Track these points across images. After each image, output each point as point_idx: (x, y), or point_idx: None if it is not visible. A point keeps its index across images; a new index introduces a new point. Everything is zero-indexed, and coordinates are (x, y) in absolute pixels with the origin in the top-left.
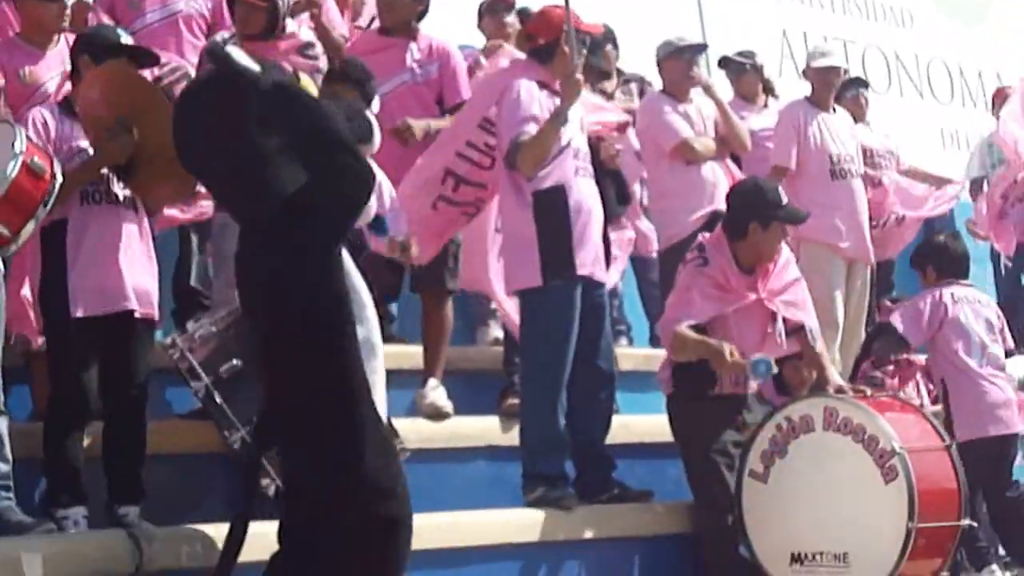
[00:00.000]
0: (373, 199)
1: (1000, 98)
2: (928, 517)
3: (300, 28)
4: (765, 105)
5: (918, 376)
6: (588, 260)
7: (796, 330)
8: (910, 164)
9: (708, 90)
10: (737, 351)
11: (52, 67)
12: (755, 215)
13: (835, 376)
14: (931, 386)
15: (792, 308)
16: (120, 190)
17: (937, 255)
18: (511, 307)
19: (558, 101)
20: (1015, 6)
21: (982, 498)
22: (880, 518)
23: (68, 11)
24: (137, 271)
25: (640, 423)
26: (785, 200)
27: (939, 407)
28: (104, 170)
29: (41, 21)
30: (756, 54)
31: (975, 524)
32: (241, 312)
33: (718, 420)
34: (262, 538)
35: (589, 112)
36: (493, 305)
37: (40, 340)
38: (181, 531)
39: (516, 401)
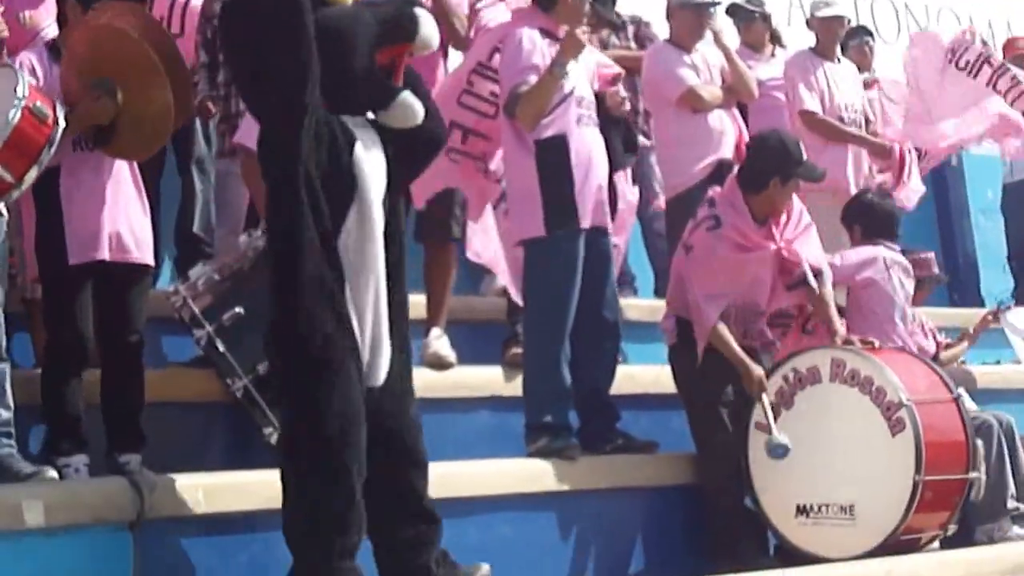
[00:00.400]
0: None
1: (1011, 48)
2: (935, 470)
3: None
4: (772, 55)
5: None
6: (592, 209)
7: (800, 281)
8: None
9: (716, 38)
10: (764, 380)
11: (52, 11)
12: (778, 170)
13: (842, 327)
14: (940, 338)
15: (811, 257)
16: None
17: (865, 214)
18: (509, 279)
19: (555, 47)
20: None
21: None
22: (887, 470)
23: None
24: (132, 217)
25: (645, 373)
26: (805, 156)
27: None
28: None
29: None
30: (765, 2)
31: (983, 477)
32: (243, 259)
33: (722, 371)
34: (269, 486)
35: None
36: None
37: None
38: (183, 479)
39: (520, 351)
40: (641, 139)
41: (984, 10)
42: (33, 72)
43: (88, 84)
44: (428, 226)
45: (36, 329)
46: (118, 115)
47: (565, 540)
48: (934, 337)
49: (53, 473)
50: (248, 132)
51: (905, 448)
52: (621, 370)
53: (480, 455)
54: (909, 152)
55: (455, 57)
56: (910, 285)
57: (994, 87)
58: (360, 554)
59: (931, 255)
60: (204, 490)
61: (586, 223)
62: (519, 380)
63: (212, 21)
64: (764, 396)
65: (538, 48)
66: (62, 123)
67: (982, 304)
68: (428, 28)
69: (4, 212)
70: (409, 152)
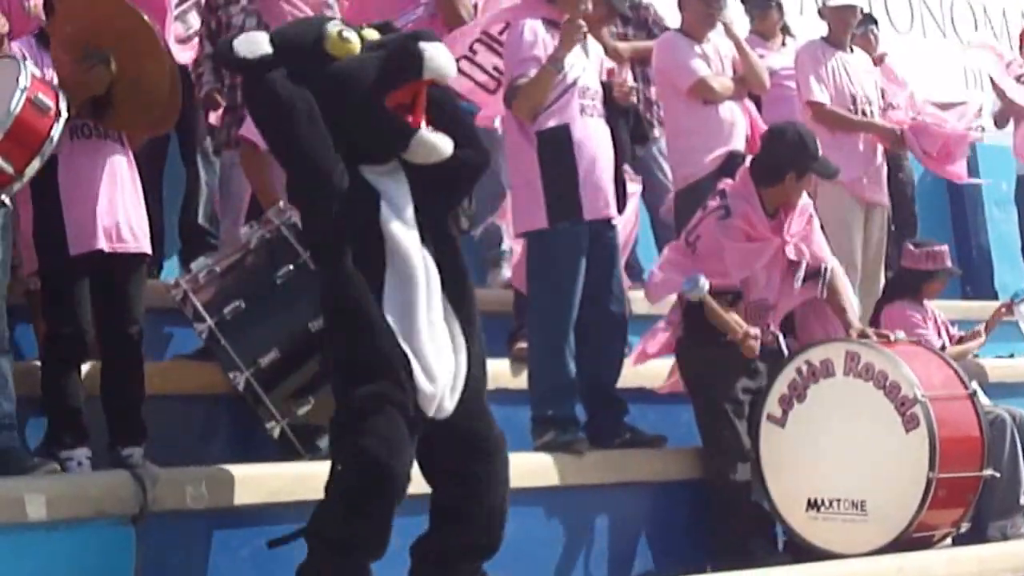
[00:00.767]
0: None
1: None
2: (949, 467)
3: None
4: (783, 44)
5: None
6: (596, 201)
7: (814, 274)
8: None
9: (727, 29)
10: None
11: None
12: (793, 164)
13: (856, 320)
14: (952, 331)
15: (814, 250)
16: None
17: None
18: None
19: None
20: None
21: None
22: (900, 467)
23: None
24: (128, 206)
25: (653, 367)
26: (821, 152)
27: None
28: None
29: None
30: None
31: (997, 474)
32: (244, 251)
33: (729, 366)
34: (272, 479)
35: None
36: (504, 247)
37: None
38: (186, 472)
39: (526, 345)
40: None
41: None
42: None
43: (78, 50)
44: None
45: (38, 320)
46: (113, 83)
47: (572, 535)
48: (947, 330)
49: (55, 466)
50: (250, 125)
51: (919, 445)
52: (629, 363)
53: None
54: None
55: None
56: None
57: None
58: None
59: (944, 248)
60: (208, 483)
61: (589, 215)
62: (526, 374)
63: (216, 12)
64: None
65: (540, 39)
66: (64, 114)
67: (996, 297)
68: (435, 61)
69: (7, 203)
70: (448, 180)
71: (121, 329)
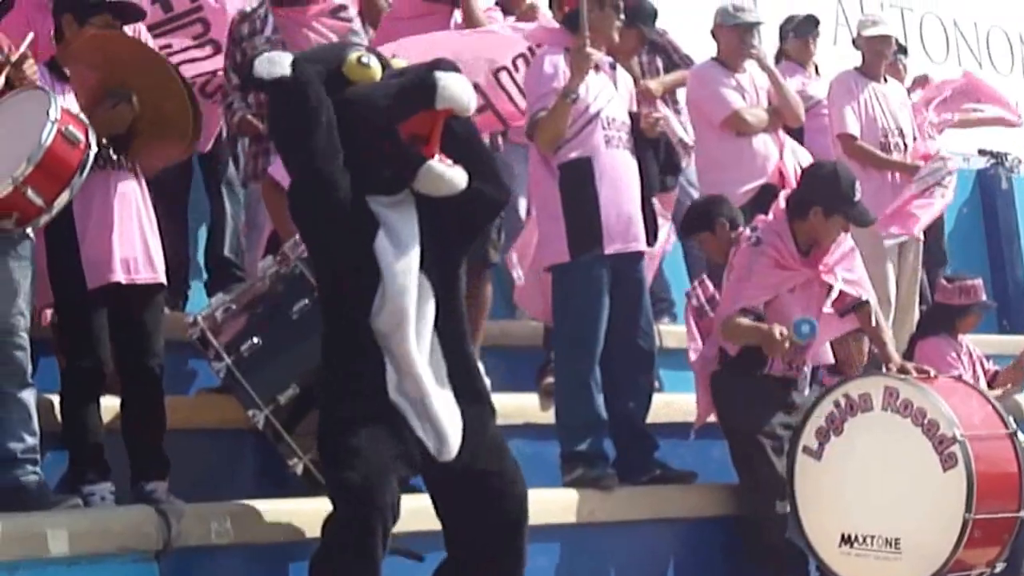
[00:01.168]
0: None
1: None
2: (986, 507)
3: None
4: (817, 72)
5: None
6: (619, 234)
7: (854, 307)
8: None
9: (761, 62)
10: (788, 330)
11: None
12: (821, 201)
13: (896, 354)
14: (988, 366)
15: (851, 283)
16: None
17: None
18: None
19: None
20: None
21: None
22: (936, 505)
23: None
24: (143, 237)
25: (684, 402)
26: (858, 197)
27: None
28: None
29: None
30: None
31: None
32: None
33: (767, 401)
34: (297, 515)
35: None
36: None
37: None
38: (211, 507)
39: (554, 379)
40: None
41: None
42: None
43: (100, 93)
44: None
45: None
46: (135, 120)
47: (602, 572)
48: (982, 365)
49: (78, 501)
50: (279, 166)
51: (956, 484)
52: (659, 398)
53: None
54: None
55: None
56: None
57: None
58: None
59: (978, 282)
60: (233, 518)
61: (612, 247)
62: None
63: (240, 44)
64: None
65: (559, 72)
66: (94, 147)
67: None
68: (449, 91)
69: (31, 236)
70: (464, 215)
71: (140, 361)
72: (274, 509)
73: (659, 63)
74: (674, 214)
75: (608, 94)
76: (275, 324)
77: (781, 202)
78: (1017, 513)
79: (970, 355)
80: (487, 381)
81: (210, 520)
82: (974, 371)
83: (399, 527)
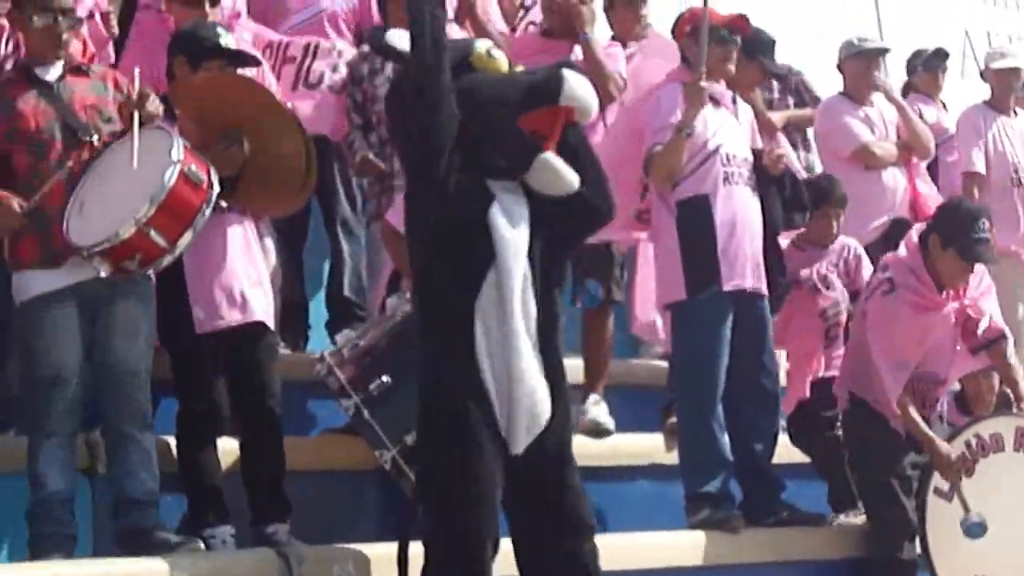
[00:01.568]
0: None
1: None
2: None
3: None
4: (944, 107)
5: None
6: (738, 271)
7: (986, 344)
8: None
9: (888, 94)
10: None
11: None
12: (938, 231)
13: None
14: None
15: (992, 316)
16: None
17: None
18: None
19: (709, 106)
20: None
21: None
22: None
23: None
24: (252, 279)
25: None
26: (980, 235)
27: None
28: None
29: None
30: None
31: None
32: (391, 325)
33: (897, 441)
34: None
35: None
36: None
37: None
38: (333, 550)
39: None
40: None
41: None
42: None
43: (209, 134)
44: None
45: None
46: (244, 164)
47: None
48: None
49: (199, 544)
50: (395, 212)
51: None
52: (784, 438)
53: (640, 527)
54: None
55: None
56: None
57: None
58: None
59: None
60: (355, 562)
61: (731, 285)
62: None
63: (361, 84)
64: (961, 478)
65: (677, 106)
66: (216, 187)
67: None
68: (575, 91)
69: (152, 278)
70: (566, 221)
71: (257, 402)
72: (393, 552)
73: (790, 102)
74: None
75: (728, 129)
76: (404, 363)
77: (914, 236)
78: None
79: None
80: (610, 420)
81: (332, 563)
82: None
83: None
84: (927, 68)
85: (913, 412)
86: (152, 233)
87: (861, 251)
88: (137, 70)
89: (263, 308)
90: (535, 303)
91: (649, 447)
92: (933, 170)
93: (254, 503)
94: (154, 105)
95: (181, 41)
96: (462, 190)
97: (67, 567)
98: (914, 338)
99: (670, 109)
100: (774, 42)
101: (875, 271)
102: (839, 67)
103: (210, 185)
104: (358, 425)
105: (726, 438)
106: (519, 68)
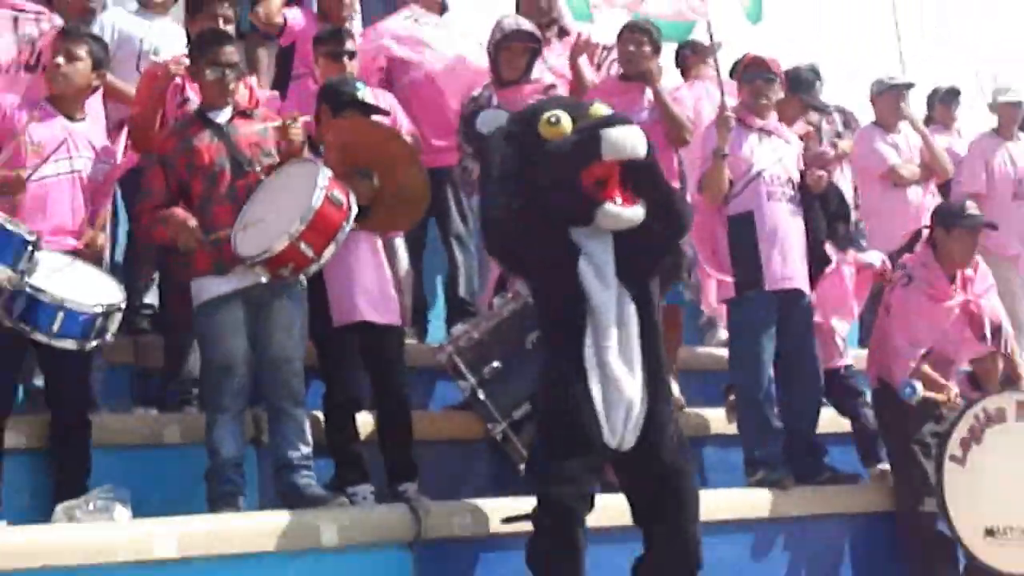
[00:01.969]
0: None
1: None
2: None
3: (543, 73)
4: (959, 135)
5: None
6: (780, 274)
7: (989, 332)
8: None
9: (913, 123)
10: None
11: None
12: (940, 222)
13: None
14: None
15: (994, 309)
16: None
17: None
18: None
19: (751, 135)
20: None
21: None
22: None
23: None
24: (379, 284)
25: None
26: (969, 211)
27: None
28: None
29: None
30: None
31: None
32: (498, 320)
33: (918, 413)
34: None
35: None
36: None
37: None
38: (453, 505)
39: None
40: None
41: None
42: None
43: (349, 169)
44: (663, 290)
45: None
46: (374, 194)
47: (780, 560)
48: None
49: (344, 500)
50: None
51: None
52: (827, 411)
53: (707, 485)
54: None
55: None
56: None
57: None
58: None
59: None
60: (471, 514)
61: (775, 285)
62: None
63: (470, 123)
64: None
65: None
66: (354, 208)
67: None
68: (613, 145)
69: (303, 282)
70: (647, 244)
71: (390, 386)
72: (504, 506)
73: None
74: None
75: (771, 155)
76: (512, 351)
77: (924, 236)
78: None
79: None
80: (681, 397)
81: (453, 515)
82: None
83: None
84: (943, 102)
85: (927, 369)
86: (302, 246)
87: None
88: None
89: (390, 307)
90: (636, 320)
91: (713, 420)
92: (945, 188)
93: (388, 466)
94: (298, 131)
95: (326, 93)
96: (548, 243)
97: (238, 519)
98: (927, 323)
99: (711, 139)
100: (814, 80)
101: (896, 271)
102: (872, 101)
103: (349, 207)
104: (473, 403)
105: (776, 411)
106: (596, 107)
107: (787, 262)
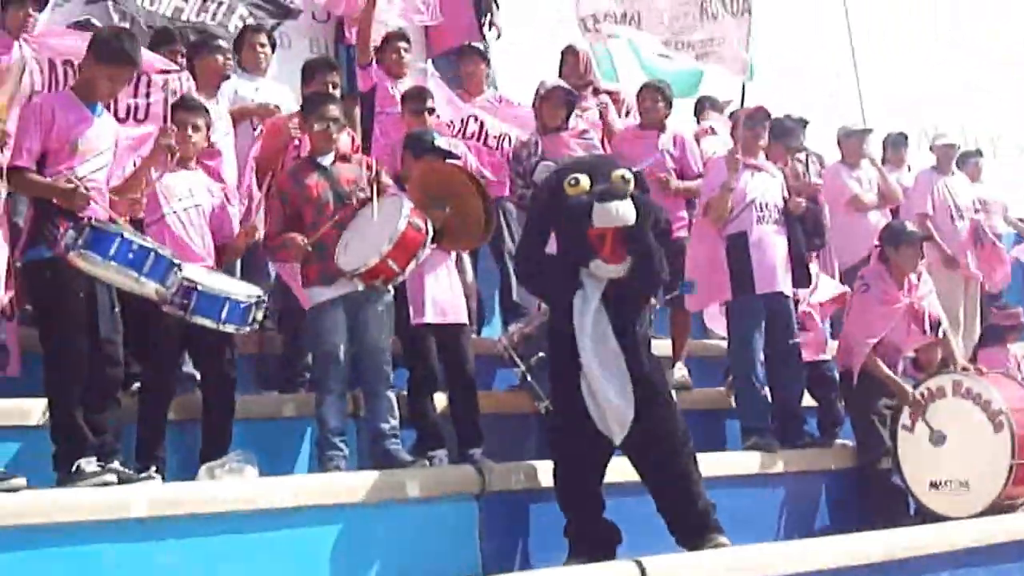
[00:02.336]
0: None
1: None
2: None
3: (579, 121)
4: (909, 168)
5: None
6: (767, 281)
7: (929, 326)
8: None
9: (872, 161)
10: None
11: None
12: (889, 241)
13: (960, 358)
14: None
15: (933, 308)
16: None
17: None
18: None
19: (745, 171)
20: None
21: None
22: (991, 456)
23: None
24: (447, 291)
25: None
26: (910, 229)
27: None
28: None
29: None
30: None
31: None
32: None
33: (874, 390)
34: None
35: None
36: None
37: None
38: (510, 465)
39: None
40: None
41: None
42: None
43: (427, 200)
44: (673, 297)
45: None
46: (446, 220)
47: (772, 508)
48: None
49: (425, 462)
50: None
51: (1004, 441)
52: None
53: (712, 449)
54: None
55: None
56: None
57: None
58: None
59: (1019, 309)
60: (526, 472)
61: (762, 290)
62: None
63: (522, 162)
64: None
65: (723, 171)
66: (431, 232)
67: None
68: (600, 219)
69: (391, 290)
70: (631, 288)
71: (460, 372)
72: (549, 466)
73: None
74: None
75: (761, 187)
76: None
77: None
78: None
79: (1016, 359)
80: (690, 380)
81: (512, 473)
82: (1019, 370)
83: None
84: (894, 145)
85: (881, 364)
86: (390, 262)
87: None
88: (375, 159)
89: (460, 309)
90: (615, 339)
91: (715, 398)
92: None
93: (459, 434)
94: (385, 179)
95: (409, 141)
96: (559, 274)
97: (341, 477)
98: (880, 320)
99: (719, 174)
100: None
101: (857, 281)
102: (838, 142)
103: (427, 231)
104: (524, 385)
105: (767, 390)
106: (619, 172)
107: (772, 271)
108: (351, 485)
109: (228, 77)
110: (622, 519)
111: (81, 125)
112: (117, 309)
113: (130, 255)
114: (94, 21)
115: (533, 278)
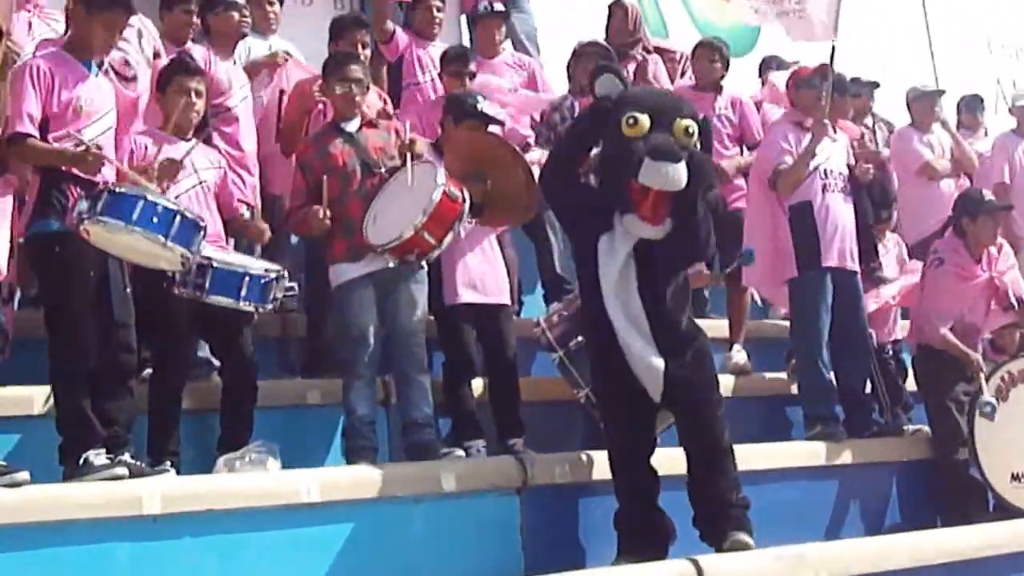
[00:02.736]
0: None
1: None
2: None
3: None
4: (986, 133)
5: None
6: (835, 255)
7: (1011, 304)
8: None
9: (944, 125)
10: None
11: None
12: (965, 211)
13: None
14: None
15: (1016, 284)
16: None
17: None
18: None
19: (807, 135)
20: None
21: None
22: None
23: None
24: (487, 269)
25: None
26: (989, 199)
27: None
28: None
29: None
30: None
31: None
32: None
33: (952, 373)
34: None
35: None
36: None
37: None
38: (554, 456)
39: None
40: None
41: None
42: None
43: (467, 172)
44: (731, 272)
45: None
46: (486, 194)
47: (837, 502)
48: None
49: (461, 453)
50: None
51: None
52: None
53: (773, 439)
54: None
55: None
56: None
57: None
58: None
59: None
60: (570, 465)
61: (830, 264)
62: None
63: (555, 128)
64: (981, 374)
65: (789, 137)
66: (468, 202)
67: None
68: (648, 175)
69: (425, 267)
70: (666, 253)
71: (500, 356)
72: (596, 457)
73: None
74: None
75: (826, 152)
76: None
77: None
78: None
79: None
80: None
81: (554, 465)
82: None
83: None
84: (968, 108)
85: (950, 336)
86: (425, 235)
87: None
88: (408, 123)
89: (501, 288)
90: (638, 300)
91: (776, 383)
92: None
93: (499, 424)
94: (419, 146)
95: (450, 104)
96: (589, 207)
97: (372, 469)
98: (955, 297)
99: (784, 139)
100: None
101: (929, 254)
102: (908, 105)
103: (464, 200)
104: (561, 371)
105: (831, 375)
106: (683, 123)
107: (840, 244)
108: (382, 478)
109: (245, 35)
110: (674, 515)
111: (81, 84)
112: (129, 290)
113: (154, 219)
114: None
115: (558, 199)
